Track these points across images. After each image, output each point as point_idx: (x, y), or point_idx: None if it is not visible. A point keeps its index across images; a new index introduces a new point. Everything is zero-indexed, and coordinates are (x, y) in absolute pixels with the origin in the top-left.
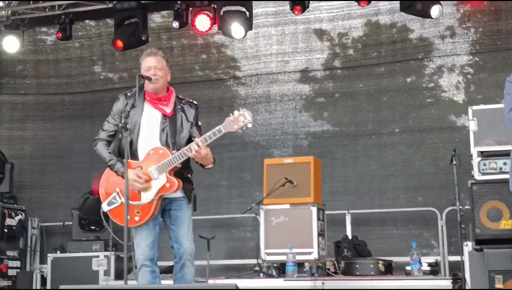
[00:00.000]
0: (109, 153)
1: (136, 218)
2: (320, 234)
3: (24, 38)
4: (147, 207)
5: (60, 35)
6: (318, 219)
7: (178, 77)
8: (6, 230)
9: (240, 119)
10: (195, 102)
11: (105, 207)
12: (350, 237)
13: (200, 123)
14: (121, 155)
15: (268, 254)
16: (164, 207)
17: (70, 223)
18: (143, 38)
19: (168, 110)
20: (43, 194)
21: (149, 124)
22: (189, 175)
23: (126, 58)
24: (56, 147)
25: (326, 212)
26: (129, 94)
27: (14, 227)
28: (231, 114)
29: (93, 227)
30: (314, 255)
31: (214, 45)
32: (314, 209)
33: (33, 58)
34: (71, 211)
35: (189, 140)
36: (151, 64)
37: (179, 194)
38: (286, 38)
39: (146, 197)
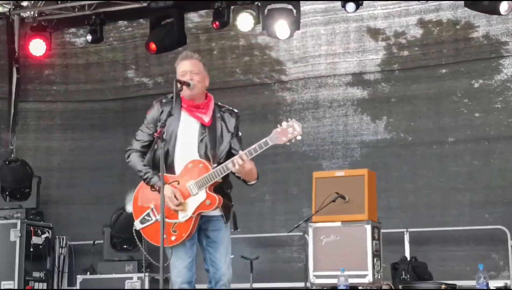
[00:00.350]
0: (144, 165)
1: (173, 238)
2: (375, 254)
3: (52, 40)
4: (185, 226)
5: (90, 37)
6: (373, 238)
7: (217, 82)
8: (32, 249)
9: (289, 131)
10: (235, 110)
11: (137, 225)
12: (408, 258)
13: (240, 134)
14: (155, 167)
15: (317, 277)
16: (201, 226)
17: (101, 241)
18: (180, 40)
19: (207, 118)
20: (72, 210)
21: (187, 134)
22: (229, 191)
23: (161, 62)
24: (86, 158)
25: (382, 230)
26: (164, 100)
27: (40, 246)
28: (278, 125)
29: (126, 246)
30: (369, 278)
31: (258, 46)
32: (368, 227)
33: (61, 62)
34: (102, 229)
35: (229, 152)
36: (187, 68)
37: (217, 212)
38: (336, 38)
39: (184, 214)
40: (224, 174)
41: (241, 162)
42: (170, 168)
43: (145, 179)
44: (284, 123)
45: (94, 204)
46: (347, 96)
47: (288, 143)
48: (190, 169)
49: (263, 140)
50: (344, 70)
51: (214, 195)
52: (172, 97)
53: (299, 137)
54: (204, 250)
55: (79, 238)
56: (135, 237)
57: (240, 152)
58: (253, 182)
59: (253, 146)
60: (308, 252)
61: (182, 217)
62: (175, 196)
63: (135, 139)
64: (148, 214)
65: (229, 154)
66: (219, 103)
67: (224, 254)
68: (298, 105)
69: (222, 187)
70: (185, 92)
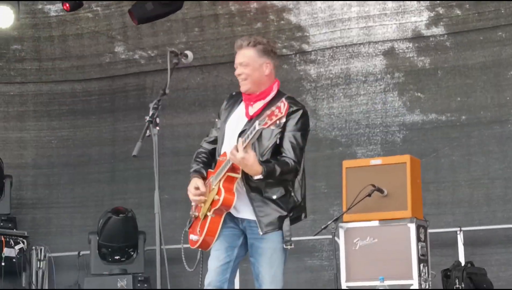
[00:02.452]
0: (196, 160)
1: (195, 238)
2: (422, 260)
3: (20, 8)
4: (203, 225)
5: (67, 4)
6: (419, 239)
7: (226, 54)
8: (3, 264)
9: (274, 113)
10: (298, 103)
11: (188, 226)
12: (463, 263)
13: (299, 131)
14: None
15: (350, 288)
16: (244, 230)
17: (87, 252)
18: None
19: (252, 110)
20: (51, 215)
21: (233, 128)
22: (273, 196)
23: (155, 32)
24: (67, 152)
25: (430, 230)
26: (234, 93)
27: (14, 259)
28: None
29: (117, 257)
30: (414, 288)
31: (273, 9)
32: (412, 227)
33: (32, 34)
34: (88, 237)
35: (276, 149)
36: (237, 60)
37: (250, 215)
38: None
39: (203, 211)
40: (228, 165)
41: (232, 149)
42: None
43: (190, 173)
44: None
45: (78, 207)
46: (385, 68)
47: (273, 127)
48: (220, 162)
49: (256, 122)
50: (381, 37)
51: (223, 190)
52: (173, 69)
53: (282, 120)
54: (249, 260)
55: (61, 248)
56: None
57: (239, 139)
58: (257, 177)
59: (248, 131)
60: (340, 259)
61: (201, 213)
62: (196, 187)
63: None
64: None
65: (277, 152)
66: (290, 96)
67: (267, 268)
68: (325, 81)
69: (262, 188)
70: (241, 87)
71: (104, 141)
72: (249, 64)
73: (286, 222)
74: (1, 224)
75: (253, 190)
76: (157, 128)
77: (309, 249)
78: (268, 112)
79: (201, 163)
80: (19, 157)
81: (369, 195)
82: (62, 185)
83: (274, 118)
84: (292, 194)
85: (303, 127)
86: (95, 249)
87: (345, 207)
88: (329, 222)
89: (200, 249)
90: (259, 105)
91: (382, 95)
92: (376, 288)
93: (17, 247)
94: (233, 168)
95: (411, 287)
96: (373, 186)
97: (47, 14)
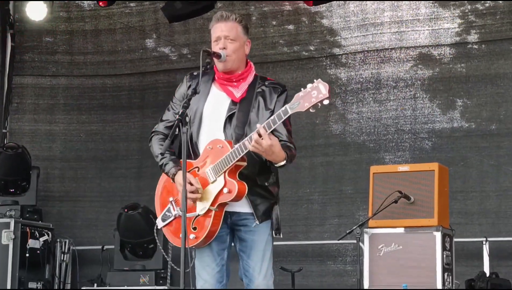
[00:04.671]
0: (161, 150)
1: (192, 236)
2: (447, 269)
3: (54, 2)
4: (204, 221)
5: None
6: (444, 248)
7: (256, 55)
8: (28, 255)
9: (312, 94)
10: (281, 85)
11: (159, 223)
12: (488, 274)
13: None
14: (180, 154)
15: None
16: (233, 225)
17: (111, 247)
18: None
19: (238, 93)
20: (77, 208)
21: (215, 112)
22: (265, 183)
23: (187, 29)
24: (95, 146)
25: (455, 239)
26: (195, 73)
27: (38, 251)
28: (302, 89)
29: (141, 253)
30: None
31: (306, 12)
32: (438, 235)
33: (65, 28)
34: (113, 232)
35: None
36: (221, 33)
37: (246, 208)
38: (403, 2)
39: (202, 206)
40: (243, 154)
41: (256, 137)
42: (194, 153)
43: (160, 166)
44: (308, 85)
45: (104, 201)
46: (416, 74)
47: (312, 110)
48: (209, 152)
49: (283, 108)
50: (412, 42)
51: (234, 181)
52: (206, 69)
53: (325, 102)
54: (238, 254)
55: (85, 242)
56: (156, 239)
57: (258, 125)
58: (281, 164)
59: (271, 117)
60: (364, 264)
61: (200, 209)
62: (189, 182)
63: (160, 120)
64: (168, 209)
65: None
66: (265, 76)
67: (260, 261)
68: (355, 85)
69: (253, 177)
70: (218, 64)
71: (132, 137)
72: (236, 40)
73: (276, 209)
74: (27, 215)
75: (246, 178)
76: (186, 126)
77: (333, 253)
78: (300, 94)
79: (168, 153)
80: (47, 150)
81: (396, 201)
82: (89, 179)
83: (314, 100)
84: (277, 180)
85: None
86: (118, 245)
87: (371, 212)
88: (354, 227)
89: (195, 247)
90: (244, 86)
91: (412, 101)
92: None
93: (41, 239)
94: (241, 157)
95: None
96: (400, 192)
97: (80, 8)
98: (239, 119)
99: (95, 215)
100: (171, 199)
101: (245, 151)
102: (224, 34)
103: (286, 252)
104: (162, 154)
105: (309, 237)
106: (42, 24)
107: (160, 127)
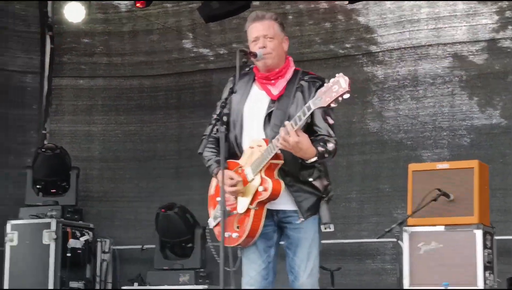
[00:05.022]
0: (209, 151)
1: (235, 235)
2: (488, 267)
3: (91, 3)
4: (244, 220)
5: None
6: (485, 246)
7: (292, 53)
8: (69, 255)
9: (333, 89)
10: (321, 78)
11: (211, 223)
12: None
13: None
14: (231, 155)
15: None
16: (279, 222)
17: (152, 246)
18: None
19: (276, 91)
20: (115, 208)
21: (254, 111)
22: (309, 179)
23: (224, 29)
24: (133, 147)
25: (496, 237)
26: (235, 76)
27: (79, 251)
28: (325, 84)
29: (181, 252)
30: None
31: (342, 9)
32: (478, 233)
33: (102, 30)
34: (152, 231)
35: (310, 130)
36: (259, 33)
37: (290, 205)
38: None
39: (242, 205)
40: (274, 152)
41: (283, 135)
42: (240, 153)
43: (208, 167)
44: (331, 80)
45: (142, 201)
46: (454, 70)
47: (334, 105)
48: (250, 151)
49: (306, 104)
50: (450, 38)
51: (269, 179)
52: (249, 69)
53: (346, 96)
54: (285, 251)
55: (124, 242)
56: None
57: (286, 122)
58: (312, 160)
59: (298, 114)
60: (403, 263)
61: (240, 208)
62: (230, 177)
63: (209, 123)
64: (217, 209)
65: (311, 132)
66: (305, 70)
67: (305, 259)
68: (392, 82)
69: (296, 174)
70: (258, 63)
71: (170, 137)
72: (275, 37)
73: (324, 204)
74: (68, 215)
75: (287, 175)
76: (224, 126)
77: (372, 252)
78: (323, 89)
79: (215, 154)
80: (86, 150)
81: (435, 199)
82: (128, 179)
83: (335, 95)
84: (324, 174)
85: None
86: (159, 244)
87: (410, 210)
88: (393, 226)
89: (240, 246)
90: (282, 83)
91: (449, 98)
92: None
93: (82, 239)
94: (276, 155)
95: None
96: (439, 190)
97: (118, 9)
98: (277, 117)
99: (133, 215)
100: (218, 199)
101: (275, 149)
102: (262, 33)
103: (325, 250)
104: (210, 154)
105: (347, 235)
106: (80, 25)
107: (209, 130)
